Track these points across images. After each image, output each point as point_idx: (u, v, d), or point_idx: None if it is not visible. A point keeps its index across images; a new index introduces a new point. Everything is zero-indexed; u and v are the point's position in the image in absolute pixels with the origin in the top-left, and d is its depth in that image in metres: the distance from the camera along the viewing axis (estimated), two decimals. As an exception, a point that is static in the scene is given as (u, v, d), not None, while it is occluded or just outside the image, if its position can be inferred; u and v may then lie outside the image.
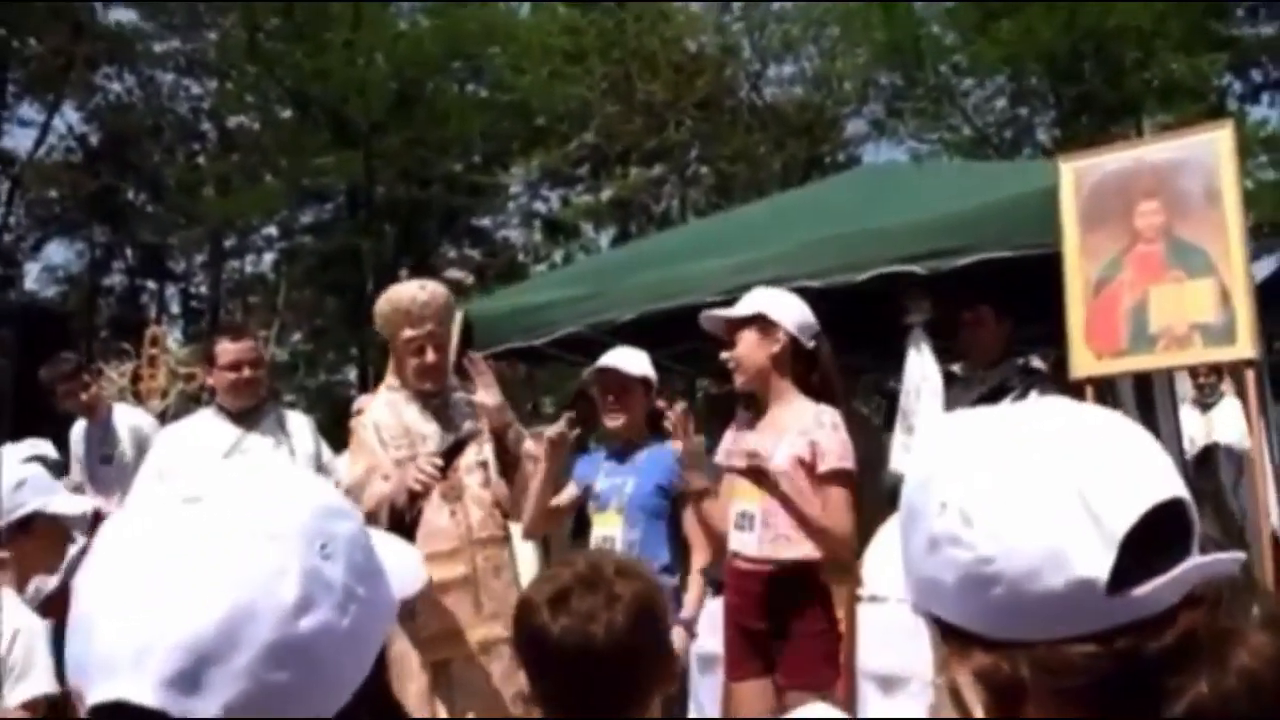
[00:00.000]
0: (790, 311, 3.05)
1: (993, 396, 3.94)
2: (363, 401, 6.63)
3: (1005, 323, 4.05)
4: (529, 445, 3.33)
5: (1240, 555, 0.79)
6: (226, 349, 3.78)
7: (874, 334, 4.94)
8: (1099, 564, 0.74)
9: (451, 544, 3.19)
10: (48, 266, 24.44)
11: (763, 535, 2.92)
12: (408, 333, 3.23)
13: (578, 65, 19.58)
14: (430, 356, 3.24)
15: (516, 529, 3.44)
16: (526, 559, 5.27)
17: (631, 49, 19.66)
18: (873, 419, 7.13)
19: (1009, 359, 4.11)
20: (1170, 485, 0.78)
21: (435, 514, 3.17)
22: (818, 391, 3.01)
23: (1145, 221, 3.48)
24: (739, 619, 3.00)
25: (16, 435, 5.05)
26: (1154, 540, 0.75)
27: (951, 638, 0.83)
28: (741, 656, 3.00)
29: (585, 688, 1.44)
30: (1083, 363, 3.58)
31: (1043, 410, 0.86)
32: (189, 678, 0.68)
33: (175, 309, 25.33)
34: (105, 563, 0.74)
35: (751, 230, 5.14)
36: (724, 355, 3.06)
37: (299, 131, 21.11)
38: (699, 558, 3.26)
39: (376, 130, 19.64)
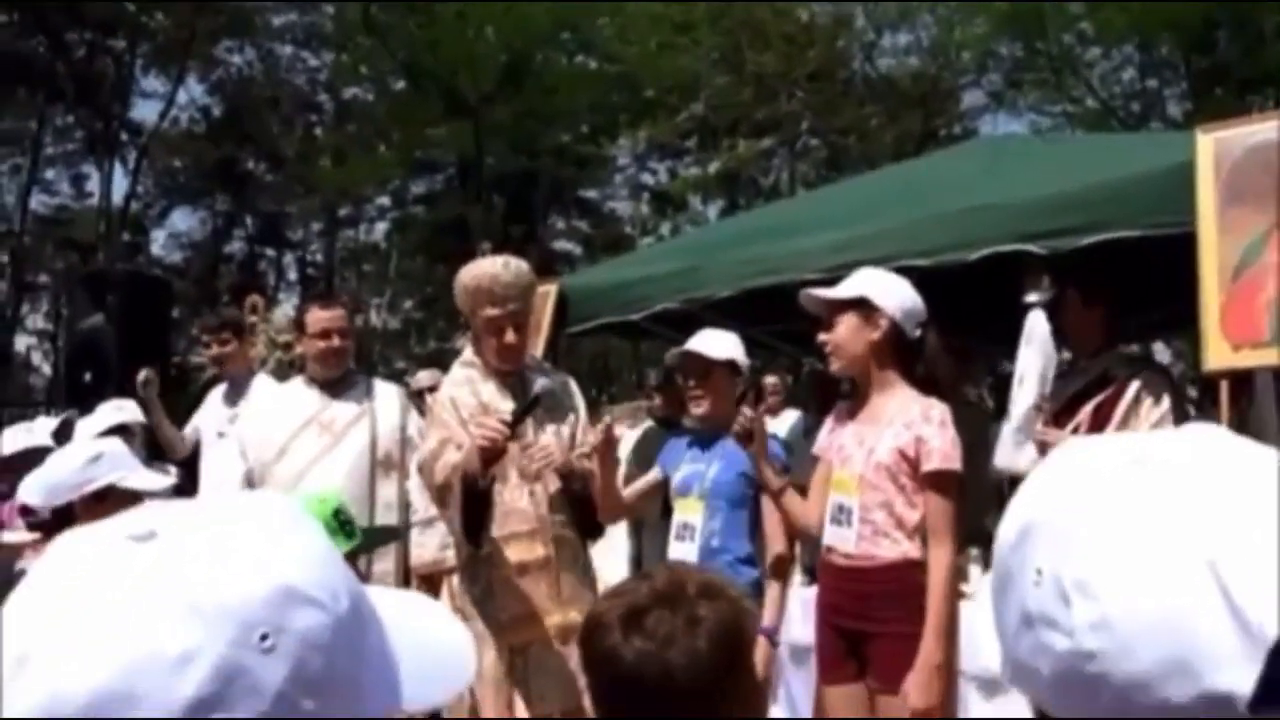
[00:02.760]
0: (895, 296, 2.84)
1: (1092, 389, 3.69)
2: (420, 379, 6.62)
3: (1096, 308, 3.74)
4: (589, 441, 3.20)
5: None
6: (317, 316, 3.75)
7: (987, 314, 4.69)
8: (1239, 676, 0.56)
9: (530, 525, 3.10)
10: (173, 233, 25.44)
11: (861, 531, 2.75)
12: (489, 311, 3.12)
13: (686, 36, 19.36)
14: (510, 337, 3.14)
15: None
16: (618, 538, 5.19)
17: (741, 19, 19.35)
18: (983, 404, 6.85)
19: (1111, 348, 3.82)
20: None
21: (513, 494, 3.09)
22: (924, 384, 2.81)
23: (1294, 200, 3.17)
24: (833, 619, 2.84)
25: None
26: None
27: None
28: (835, 659, 2.84)
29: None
30: (1218, 354, 3.29)
31: (1183, 448, 0.66)
32: None
33: (292, 276, 26.06)
34: (28, 592, 0.63)
35: (858, 205, 4.92)
36: (821, 338, 2.89)
37: (411, 103, 21.42)
38: (775, 546, 3.10)
39: (486, 102, 19.75)
